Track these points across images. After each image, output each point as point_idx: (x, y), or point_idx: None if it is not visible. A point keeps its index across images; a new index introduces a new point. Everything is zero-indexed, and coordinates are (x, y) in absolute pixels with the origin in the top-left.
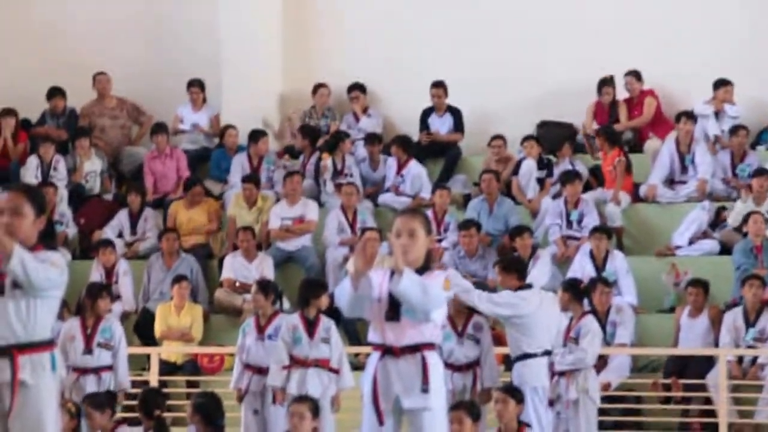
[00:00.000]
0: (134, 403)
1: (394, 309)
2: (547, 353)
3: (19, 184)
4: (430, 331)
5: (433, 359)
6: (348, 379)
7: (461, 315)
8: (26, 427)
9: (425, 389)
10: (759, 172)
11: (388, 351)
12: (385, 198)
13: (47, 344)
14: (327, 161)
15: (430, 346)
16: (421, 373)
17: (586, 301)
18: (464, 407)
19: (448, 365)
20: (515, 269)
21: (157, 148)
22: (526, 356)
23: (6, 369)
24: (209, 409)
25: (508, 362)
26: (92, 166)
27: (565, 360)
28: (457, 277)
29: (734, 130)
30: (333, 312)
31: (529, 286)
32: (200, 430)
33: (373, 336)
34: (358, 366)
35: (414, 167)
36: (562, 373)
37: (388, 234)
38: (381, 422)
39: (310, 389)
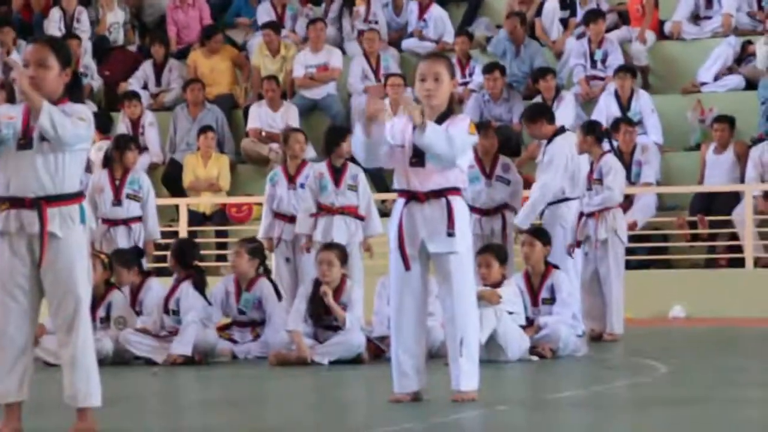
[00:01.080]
0: (165, 253)
1: (418, 155)
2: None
3: (44, 37)
4: (455, 175)
5: (459, 204)
6: (376, 225)
7: (489, 156)
8: (58, 279)
9: (451, 233)
10: None
11: (413, 196)
12: (408, 43)
13: (76, 196)
14: (360, 7)
15: (455, 190)
16: (446, 218)
17: (606, 143)
18: (491, 250)
19: (476, 209)
20: (541, 115)
21: None
22: (567, 200)
23: (35, 221)
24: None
25: None
26: (115, 17)
27: (593, 201)
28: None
29: None
30: None
31: (563, 129)
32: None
33: (398, 182)
34: (385, 213)
35: (436, 10)
36: (590, 214)
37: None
38: (407, 267)
39: (336, 236)
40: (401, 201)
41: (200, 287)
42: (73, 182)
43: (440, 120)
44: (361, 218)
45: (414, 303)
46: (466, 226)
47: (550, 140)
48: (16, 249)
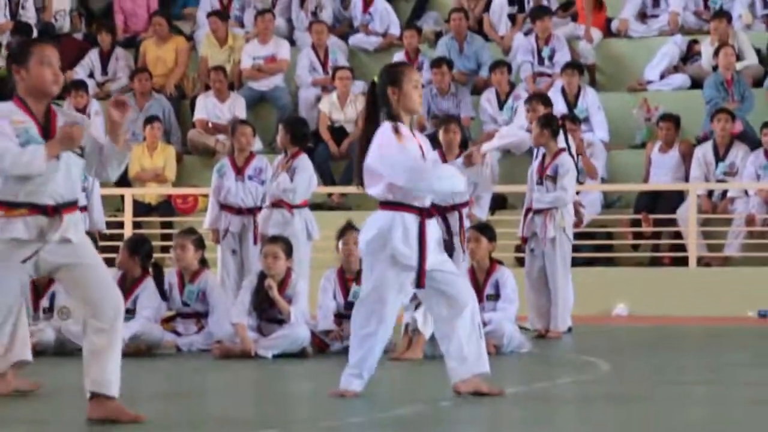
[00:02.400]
0: (110, 244)
1: None
2: None
3: None
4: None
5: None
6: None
7: (452, 152)
8: (95, 276)
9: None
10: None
11: (427, 213)
12: (355, 39)
13: (77, 203)
14: None
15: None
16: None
17: (561, 138)
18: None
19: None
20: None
21: None
22: None
23: (55, 228)
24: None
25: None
26: (61, 4)
27: (544, 198)
28: None
29: None
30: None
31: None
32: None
33: (404, 197)
34: (331, 206)
35: (380, 3)
36: (538, 211)
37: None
38: (422, 285)
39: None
40: (412, 217)
41: (161, 286)
42: (79, 189)
43: None
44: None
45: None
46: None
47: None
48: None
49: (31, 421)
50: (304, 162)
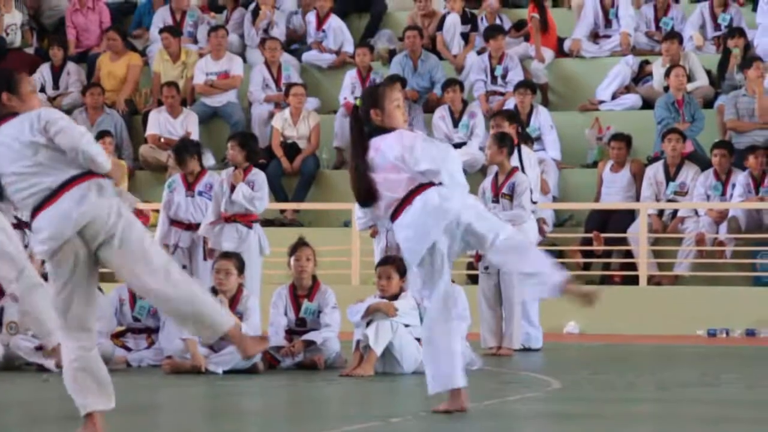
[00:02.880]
0: None
1: None
2: None
3: None
4: None
5: None
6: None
7: None
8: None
9: None
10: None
11: None
12: (309, 56)
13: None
14: (266, 14)
15: None
16: None
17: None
18: (392, 263)
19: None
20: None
21: (79, 1)
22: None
23: None
24: None
25: None
26: (12, 18)
27: (502, 216)
28: None
29: None
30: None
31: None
32: None
33: None
34: (284, 223)
35: (334, 21)
36: None
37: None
38: None
39: (227, 244)
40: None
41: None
42: None
43: None
44: (250, 226)
45: None
46: None
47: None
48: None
49: None
50: (260, 176)
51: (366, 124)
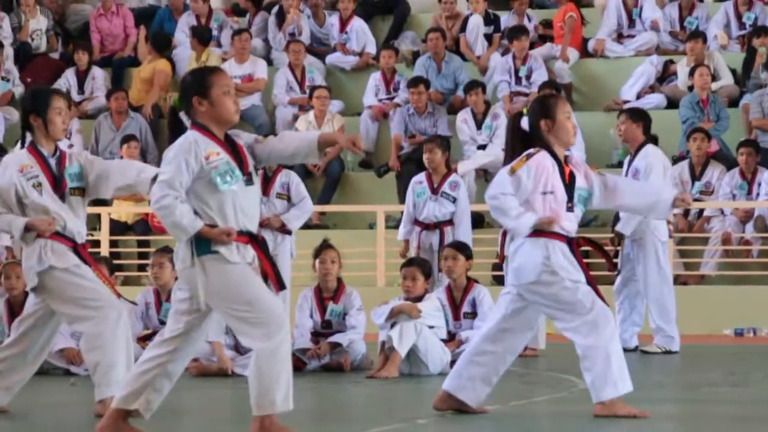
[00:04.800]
0: None
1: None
2: None
3: None
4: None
5: None
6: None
7: (438, 172)
8: None
9: None
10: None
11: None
12: (332, 58)
13: None
14: (295, 14)
15: None
16: None
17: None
18: (417, 264)
19: (418, 222)
20: (641, 119)
21: (103, 6)
22: None
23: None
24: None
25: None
26: (38, 24)
27: None
28: None
29: None
30: None
31: (654, 139)
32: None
33: None
34: (309, 225)
35: (357, 23)
36: None
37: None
38: None
39: None
40: (558, 243)
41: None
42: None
43: None
44: (288, 232)
45: None
46: None
47: (640, 147)
48: None
49: None
50: (293, 176)
51: (535, 135)
